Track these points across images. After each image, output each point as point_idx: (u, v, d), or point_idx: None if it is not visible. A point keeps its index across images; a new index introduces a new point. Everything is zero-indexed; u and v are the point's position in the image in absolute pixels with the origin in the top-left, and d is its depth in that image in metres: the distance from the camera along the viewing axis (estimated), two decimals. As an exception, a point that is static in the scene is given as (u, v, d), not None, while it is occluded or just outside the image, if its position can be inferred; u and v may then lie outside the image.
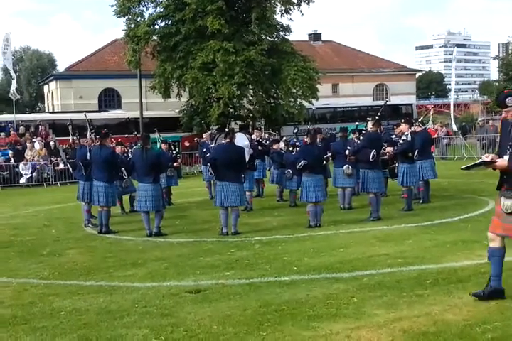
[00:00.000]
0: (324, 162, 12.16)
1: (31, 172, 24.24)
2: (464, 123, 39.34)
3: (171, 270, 8.10)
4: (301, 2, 32.21)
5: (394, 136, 14.29)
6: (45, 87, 56.88)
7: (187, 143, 27.73)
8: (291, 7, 32.16)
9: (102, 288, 7.23)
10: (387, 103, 16.33)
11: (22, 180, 23.95)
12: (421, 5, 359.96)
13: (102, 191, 11.51)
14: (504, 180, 5.83)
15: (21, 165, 24.20)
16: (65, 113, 35.94)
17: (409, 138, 12.76)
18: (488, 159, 5.82)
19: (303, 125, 30.02)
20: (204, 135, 18.43)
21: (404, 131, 13.01)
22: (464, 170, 6.12)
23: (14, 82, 31.74)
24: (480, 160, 6.00)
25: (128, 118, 33.00)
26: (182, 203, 16.00)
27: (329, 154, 13.07)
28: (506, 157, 5.69)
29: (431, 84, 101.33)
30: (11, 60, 31.79)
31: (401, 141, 12.93)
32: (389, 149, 12.85)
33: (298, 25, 67.80)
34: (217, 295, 6.65)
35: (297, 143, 13.59)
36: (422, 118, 17.88)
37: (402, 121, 13.56)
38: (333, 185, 13.88)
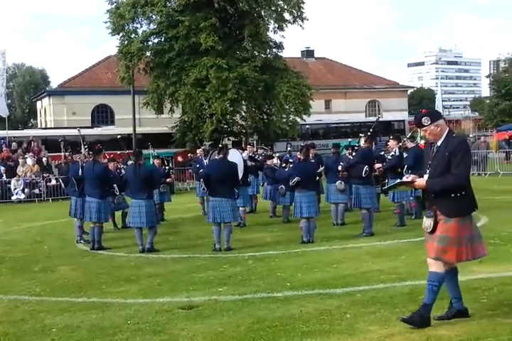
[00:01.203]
0: (317, 178, 12.19)
1: (23, 189, 24.12)
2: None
3: (164, 286, 8.07)
4: (295, 19, 32.48)
5: (383, 152, 14.37)
6: (38, 103, 56.92)
7: (180, 159, 27.78)
8: (285, 24, 32.43)
9: (94, 305, 7.18)
10: (380, 119, 16.42)
11: (13, 197, 23.80)
12: (413, 22, 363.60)
13: (94, 207, 11.48)
14: (426, 199, 5.88)
15: (13, 181, 24.08)
16: (58, 129, 35.94)
17: (398, 154, 12.84)
18: (409, 179, 5.85)
19: (297, 140, 30.16)
20: (198, 151, 18.47)
21: (393, 147, 13.08)
22: (385, 191, 6.19)
23: (3, 100, 31.32)
24: (398, 181, 6.07)
25: (119, 137, 33.03)
26: (175, 219, 15.97)
27: (322, 168, 13.10)
28: (426, 176, 5.72)
29: (423, 101, 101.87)
30: (4, 77, 31.72)
31: (389, 157, 12.99)
32: (378, 165, 12.89)
33: (291, 42, 68.55)
34: (211, 311, 6.63)
35: (290, 160, 13.64)
36: (410, 133, 17.99)
37: (391, 137, 13.65)
38: (325, 200, 13.90)
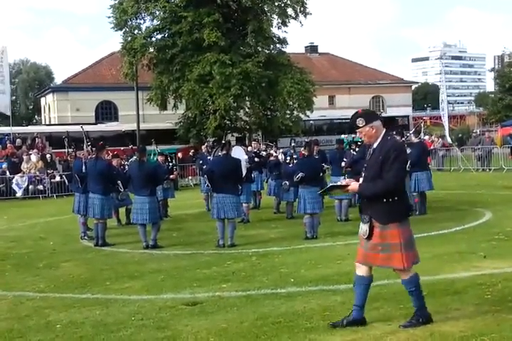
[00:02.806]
0: (321, 174, 12.18)
1: (27, 185, 24.15)
2: (460, 135, 39.44)
3: (168, 282, 8.08)
4: (298, 15, 32.39)
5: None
6: (42, 100, 56.97)
7: (180, 155, 27.78)
8: (288, 19, 32.34)
9: (98, 301, 7.20)
10: (384, 115, 16.38)
11: (18, 194, 23.82)
12: (417, 17, 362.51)
13: (97, 203, 11.50)
14: (361, 203, 5.79)
15: (16, 177, 24.09)
16: (62, 125, 35.97)
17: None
18: (344, 183, 5.76)
19: (301, 136, 30.16)
20: (202, 147, 18.48)
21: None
22: (320, 194, 6.13)
23: (6, 97, 31.16)
24: (330, 185, 6.00)
25: (123, 131, 33.12)
26: (179, 215, 15.98)
27: (326, 166, 13.10)
28: (361, 180, 5.61)
29: (427, 96, 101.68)
30: (7, 73, 31.68)
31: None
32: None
33: (295, 38, 68.63)
34: (214, 307, 6.63)
35: (294, 156, 13.63)
36: (414, 129, 17.93)
37: (394, 133, 13.61)
38: (329, 196, 13.87)
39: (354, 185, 5.59)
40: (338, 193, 6.18)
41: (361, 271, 5.69)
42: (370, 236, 5.58)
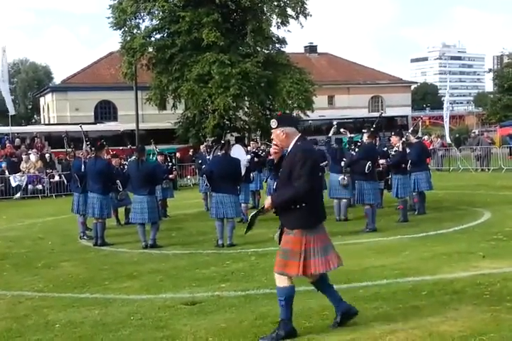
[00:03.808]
0: (320, 173, 12.16)
1: (26, 185, 24.15)
2: (457, 135, 39.48)
3: (167, 282, 8.08)
4: (298, 15, 32.38)
5: (386, 148, 14.34)
6: (41, 99, 56.97)
7: (179, 155, 27.77)
8: (287, 19, 32.34)
9: (97, 301, 7.20)
10: (383, 115, 16.39)
11: (17, 196, 23.80)
12: (416, 17, 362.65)
13: (97, 203, 11.50)
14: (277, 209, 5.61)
15: (14, 176, 24.08)
16: (61, 125, 35.97)
17: (401, 149, 12.83)
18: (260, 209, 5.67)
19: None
20: (201, 147, 18.49)
21: (395, 143, 13.06)
22: (246, 232, 6.00)
23: (9, 96, 31.15)
24: (250, 217, 5.80)
25: (121, 132, 33.08)
26: (178, 215, 15.97)
27: (325, 163, 13.10)
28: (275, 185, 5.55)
29: (426, 96, 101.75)
30: (6, 73, 31.66)
31: (393, 153, 12.97)
32: (382, 161, 12.86)
33: (294, 38, 68.68)
34: (213, 307, 6.63)
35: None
36: (412, 128, 17.92)
37: (393, 133, 13.62)
38: (328, 196, 13.87)
39: (267, 201, 5.52)
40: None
41: (281, 281, 5.59)
42: (280, 242, 5.56)
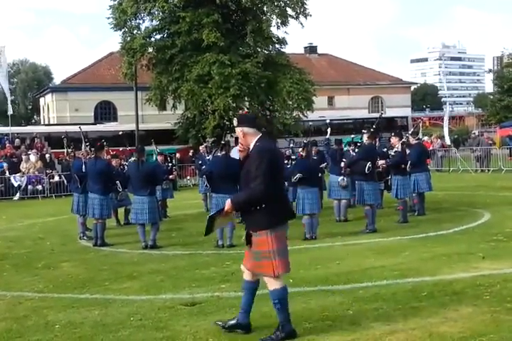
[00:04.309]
0: (320, 174, 12.18)
1: (26, 185, 24.15)
2: (456, 136, 39.51)
3: (167, 282, 8.07)
4: (298, 15, 32.38)
5: (385, 149, 14.35)
6: (41, 100, 56.95)
7: (179, 155, 27.76)
8: (288, 20, 32.33)
9: (97, 301, 7.20)
10: (383, 115, 16.39)
11: (16, 197, 23.79)
12: (416, 18, 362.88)
13: (96, 203, 11.49)
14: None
15: (15, 176, 24.08)
16: (61, 125, 35.94)
17: (400, 150, 12.84)
18: (219, 211, 5.68)
19: (300, 137, 30.18)
20: (200, 147, 18.48)
21: (395, 143, 13.06)
22: (206, 234, 5.97)
23: (8, 97, 31.20)
24: (208, 217, 5.72)
25: (121, 133, 32.97)
26: (178, 215, 15.97)
27: (324, 164, 13.11)
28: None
29: (426, 97, 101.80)
30: (6, 74, 31.68)
31: (393, 153, 12.97)
32: (381, 162, 12.86)
33: (294, 38, 68.70)
34: (213, 307, 6.63)
35: (293, 157, 13.63)
36: (412, 129, 17.92)
37: (392, 134, 13.62)
38: (328, 197, 13.88)
39: (227, 204, 5.49)
40: (223, 221, 5.83)
41: (246, 275, 5.69)
42: (249, 243, 5.57)
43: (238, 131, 5.52)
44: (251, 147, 5.49)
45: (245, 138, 5.50)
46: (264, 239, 5.39)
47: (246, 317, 5.67)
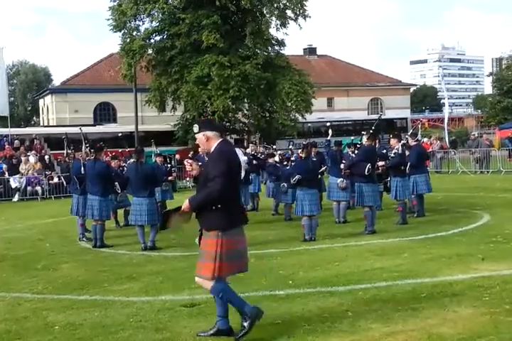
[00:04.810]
0: (319, 176, 12.18)
1: (25, 187, 24.13)
2: (453, 138, 39.56)
3: (166, 284, 8.07)
4: (297, 16, 32.42)
5: (385, 150, 14.34)
6: (41, 101, 56.96)
7: (178, 157, 27.72)
8: (287, 21, 32.37)
9: (97, 303, 7.19)
10: (382, 117, 16.40)
11: (15, 198, 23.77)
12: (416, 19, 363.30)
13: (96, 205, 11.49)
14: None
15: (14, 177, 24.07)
16: (60, 127, 35.94)
17: (400, 151, 12.84)
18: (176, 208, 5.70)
19: (300, 138, 30.22)
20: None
21: (394, 145, 13.06)
22: (162, 228, 6.02)
23: (4, 98, 30.97)
24: (164, 214, 5.84)
25: (120, 135, 33.00)
26: (177, 217, 15.91)
27: (324, 168, 13.11)
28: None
29: (425, 99, 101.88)
30: (5, 76, 31.60)
31: (392, 155, 12.97)
32: (381, 163, 12.86)
33: (293, 40, 68.70)
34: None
35: (292, 158, 13.64)
36: (411, 131, 17.95)
37: (391, 136, 13.62)
38: (327, 198, 13.88)
39: (185, 203, 5.54)
40: (180, 220, 5.75)
41: (206, 284, 5.65)
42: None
43: (200, 136, 5.60)
44: (212, 150, 5.59)
45: (208, 142, 5.59)
46: (213, 241, 5.43)
47: (225, 323, 5.64)
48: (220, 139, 5.60)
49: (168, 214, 5.74)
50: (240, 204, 5.85)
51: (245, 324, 5.44)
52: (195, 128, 5.67)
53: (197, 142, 5.69)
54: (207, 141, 5.58)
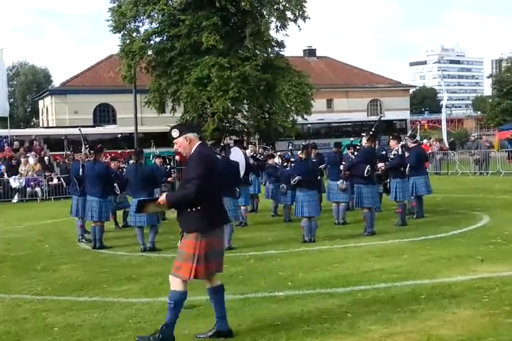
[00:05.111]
0: (319, 177, 12.18)
1: (25, 188, 24.12)
2: (452, 139, 39.58)
3: (166, 285, 8.00)
4: (297, 18, 32.42)
5: (384, 152, 14.35)
6: (40, 102, 56.97)
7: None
8: (287, 23, 32.37)
9: (96, 304, 7.19)
10: (382, 118, 16.41)
11: (14, 199, 23.76)
12: (415, 21, 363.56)
13: (95, 206, 11.49)
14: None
15: (14, 177, 24.07)
16: (60, 128, 35.93)
17: (400, 152, 12.86)
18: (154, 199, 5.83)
19: (300, 140, 30.21)
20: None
21: (394, 146, 13.07)
22: (137, 211, 6.15)
23: (4, 99, 30.95)
24: (138, 203, 6.02)
25: (119, 136, 32.98)
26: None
27: (323, 165, 13.13)
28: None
29: (425, 100, 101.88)
30: (5, 77, 31.57)
31: (392, 156, 12.98)
32: (380, 165, 12.86)
33: (293, 41, 68.80)
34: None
35: (292, 159, 13.64)
36: (410, 132, 17.98)
37: (391, 137, 13.63)
38: (327, 199, 13.89)
39: (162, 196, 5.60)
40: (153, 209, 6.11)
41: (206, 283, 5.74)
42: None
43: (181, 140, 5.60)
44: (192, 152, 5.62)
45: (190, 145, 5.61)
46: (192, 243, 5.45)
47: (224, 324, 5.68)
48: (199, 142, 5.66)
49: (144, 202, 5.95)
50: (221, 204, 5.85)
51: (151, 337, 5.52)
52: (175, 133, 5.63)
53: (176, 148, 5.69)
54: (189, 143, 5.60)
